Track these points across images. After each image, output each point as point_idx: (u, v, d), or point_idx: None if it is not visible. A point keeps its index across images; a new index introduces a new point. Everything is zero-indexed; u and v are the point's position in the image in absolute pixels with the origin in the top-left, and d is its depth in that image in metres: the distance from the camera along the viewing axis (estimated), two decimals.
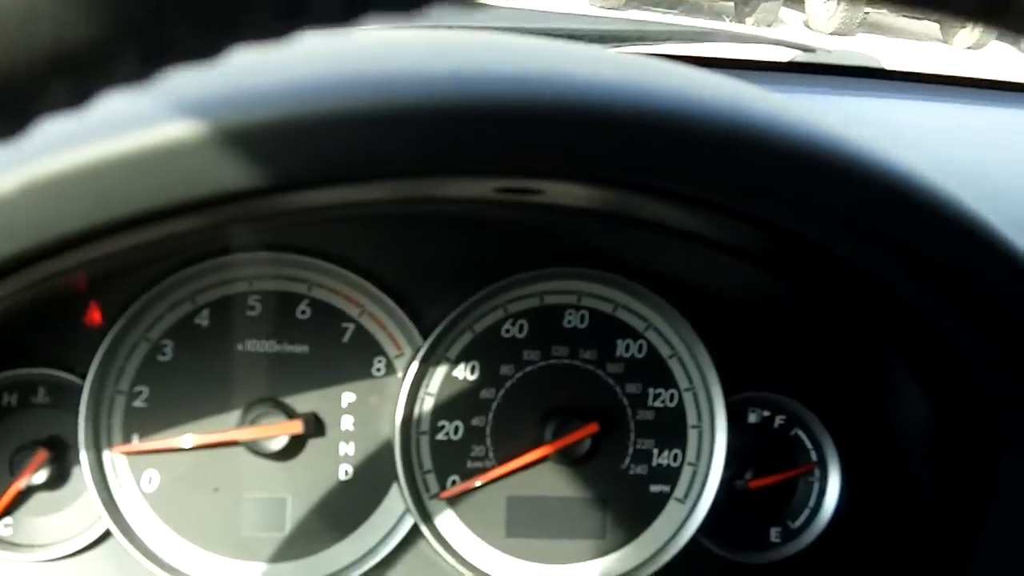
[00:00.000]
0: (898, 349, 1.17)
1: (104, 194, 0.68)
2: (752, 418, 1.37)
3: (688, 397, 1.34)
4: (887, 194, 0.82)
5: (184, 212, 0.71)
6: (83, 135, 0.67)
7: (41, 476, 1.22)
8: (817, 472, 1.38)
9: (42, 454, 1.22)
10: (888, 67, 1.81)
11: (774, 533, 1.37)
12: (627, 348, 1.33)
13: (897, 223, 0.84)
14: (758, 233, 0.98)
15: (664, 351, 1.33)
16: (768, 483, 1.35)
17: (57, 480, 1.24)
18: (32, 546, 1.25)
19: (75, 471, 1.25)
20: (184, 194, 0.69)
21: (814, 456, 1.38)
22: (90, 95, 0.39)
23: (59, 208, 0.68)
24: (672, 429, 1.34)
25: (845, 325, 1.24)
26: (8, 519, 1.24)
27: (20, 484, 1.22)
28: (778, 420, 1.37)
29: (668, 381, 1.34)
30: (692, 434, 1.34)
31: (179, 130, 0.67)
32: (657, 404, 1.34)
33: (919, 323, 1.01)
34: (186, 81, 0.44)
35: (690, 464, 1.34)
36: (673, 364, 1.33)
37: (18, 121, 0.39)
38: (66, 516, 1.26)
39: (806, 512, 1.37)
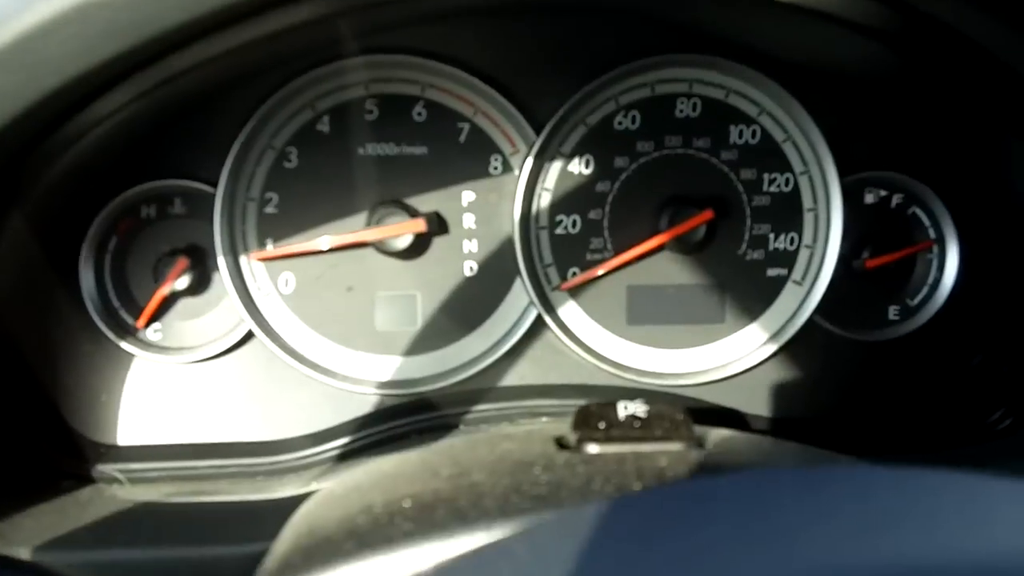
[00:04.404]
0: (1013, 124, 1.14)
1: None
2: (869, 198, 1.36)
3: (803, 180, 1.34)
4: None
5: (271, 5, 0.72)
6: None
7: (183, 282, 1.28)
8: (935, 249, 1.37)
9: (183, 261, 1.28)
10: None
11: (892, 311, 1.38)
12: (740, 134, 1.33)
13: None
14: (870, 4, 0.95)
15: (778, 135, 1.33)
16: (886, 262, 1.35)
17: (199, 286, 1.31)
18: (181, 349, 1.32)
19: (215, 277, 1.31)
20: None
21: (932, 234, 1.37)
22: None
23: (155, 4, 0.69)
24: (788, 213, 1.34)
25: (961, 102, 1.21)
26: (157, 324, 1.32)
27: (164, 290, 1.28)
28: (895, 199, 1.36)
29: (783, 165, 1.33)
30: (808, 217, 1.34)
31: None
32: (772, 189, 1.34)
33: None
34: None
35: (807, 247, 1.35)
36: (787, 148, 1.33)
37: None
38: (210, 320, 1.33)
39: (924, 289, 1.38)
